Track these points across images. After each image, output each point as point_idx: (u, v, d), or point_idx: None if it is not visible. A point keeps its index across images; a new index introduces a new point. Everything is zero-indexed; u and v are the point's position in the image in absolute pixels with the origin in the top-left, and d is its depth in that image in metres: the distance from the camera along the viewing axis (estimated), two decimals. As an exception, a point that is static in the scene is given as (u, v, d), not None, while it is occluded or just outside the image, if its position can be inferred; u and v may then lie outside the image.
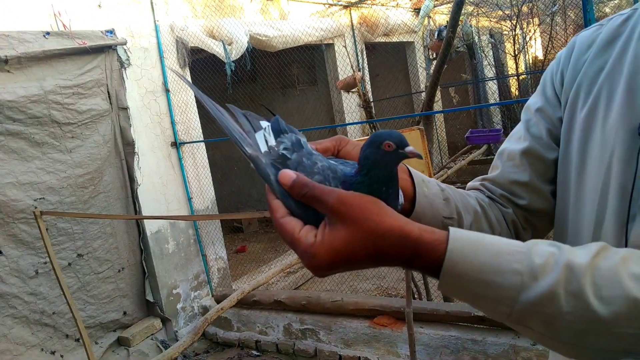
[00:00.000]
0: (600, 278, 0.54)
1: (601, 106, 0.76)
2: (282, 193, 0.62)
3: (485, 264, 0.56)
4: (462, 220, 0.81)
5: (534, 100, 0.90)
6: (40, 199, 3.80)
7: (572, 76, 0.82)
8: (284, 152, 0.66)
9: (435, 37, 8.11)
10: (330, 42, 7.00)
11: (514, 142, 0.91)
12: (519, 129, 0.91)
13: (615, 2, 9.92)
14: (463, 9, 5.40)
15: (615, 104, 0.74)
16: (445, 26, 7.96)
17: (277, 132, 0.69)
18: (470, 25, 8.46)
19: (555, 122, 0.86)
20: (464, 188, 0.95)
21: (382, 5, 7.93)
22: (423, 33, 8.75)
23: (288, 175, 0.61)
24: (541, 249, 0.57)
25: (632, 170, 0.70)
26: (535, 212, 0.88)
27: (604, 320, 0.53)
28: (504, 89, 11.50)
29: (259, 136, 0.68)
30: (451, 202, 0.80)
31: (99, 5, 4.35)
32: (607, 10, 10.00)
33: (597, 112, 0.77)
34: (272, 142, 0.68)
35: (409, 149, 0.61)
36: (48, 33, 3.87)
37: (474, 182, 0.95)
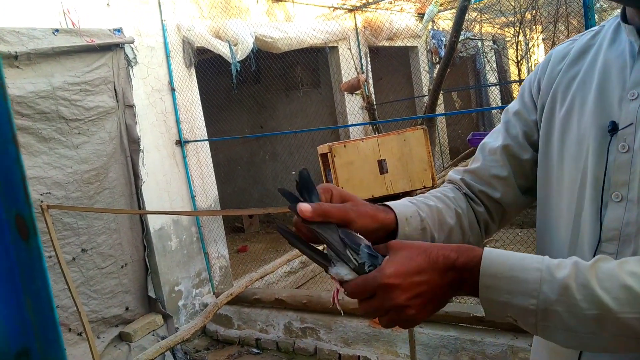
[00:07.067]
0: (601, 273, 0.66)
1: (576, 108, 0.87)
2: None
3: (514, 264, 0.70)
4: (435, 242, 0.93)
5: (513, 105, 1.02)
6: (46, 193, 3.84)
7: (548, 84, 0.94)
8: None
9: (434, 44, 8.19)
10: (335, 44, 7.05)
11: (495, 138, 1.02)
12: (499, 128, 1.03)
13: (619, 11, 9.95)
14: (467, 15, 5.45)
15: (588, 106, 0.85)
16: (440, 35, 8.03)
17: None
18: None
19: (530, 125, 0.97)
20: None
21: (387, 9, 7.99)
22: (427, 37, 8.80)
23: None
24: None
25: (603, 163, 0.80)
26: (505, 204, 1.00)
27: (609, 307, 0.63)
28: (506, 94, 11.54)
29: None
30: (427, 232, 0.91)
31: (108, 4, 4.41)
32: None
33: (573, 114, 0.87)
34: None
35: None
36: (57, 30, 3.92)
37: (455, 175, 1.05)
